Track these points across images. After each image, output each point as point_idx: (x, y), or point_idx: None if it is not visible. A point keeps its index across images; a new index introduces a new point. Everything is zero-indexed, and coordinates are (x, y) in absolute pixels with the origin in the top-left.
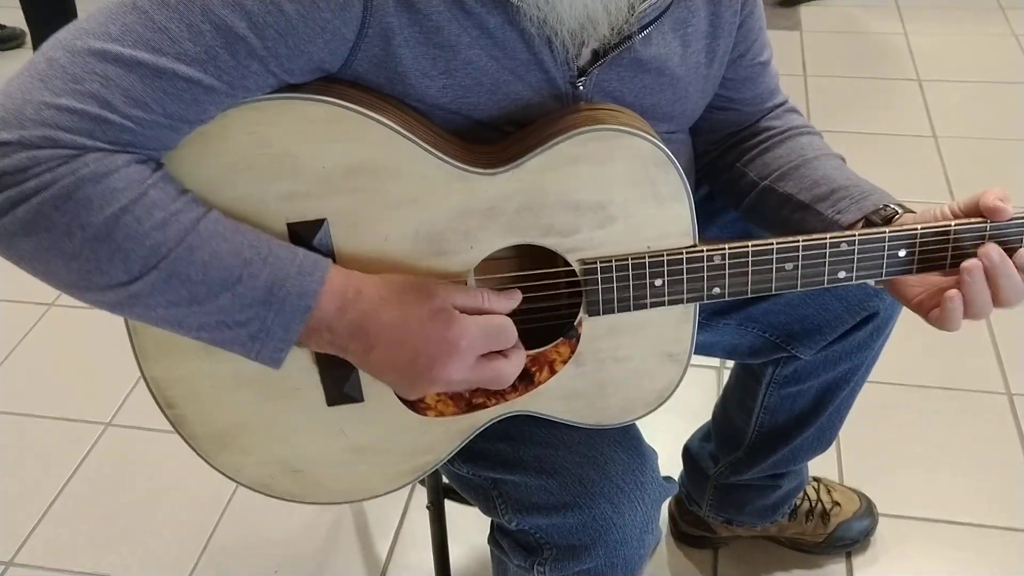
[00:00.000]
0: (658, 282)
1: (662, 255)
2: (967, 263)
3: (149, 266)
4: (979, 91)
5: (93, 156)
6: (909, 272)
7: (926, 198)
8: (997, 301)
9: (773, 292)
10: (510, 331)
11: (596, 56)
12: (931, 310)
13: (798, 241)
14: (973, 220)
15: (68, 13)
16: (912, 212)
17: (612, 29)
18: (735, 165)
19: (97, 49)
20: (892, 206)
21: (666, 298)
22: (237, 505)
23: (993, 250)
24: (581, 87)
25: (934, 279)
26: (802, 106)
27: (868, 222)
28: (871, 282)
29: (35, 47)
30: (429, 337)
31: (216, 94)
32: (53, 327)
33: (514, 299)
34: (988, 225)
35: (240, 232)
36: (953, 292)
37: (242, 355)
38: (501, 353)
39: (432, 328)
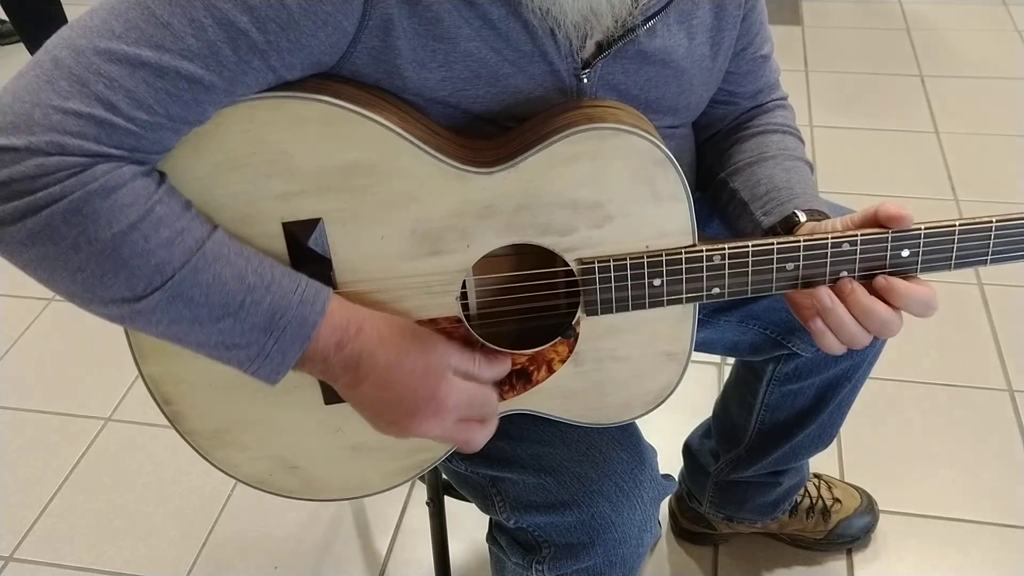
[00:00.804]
0: (657, 282)
1: (661, 255)
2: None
3: (153, 286)
4: (981, 87)
5: (102, 169)
6: (913, 272)
7: (928, 194)
8: (871, 332)
9: (774, 292)
10: (493, 404)
11: (600, 48)
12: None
13: (799, 241)
14: (978, 218)
15: (55, 15)
16: (822, 219)
17: (616, 21)
18: (707, 154)
19: (102, 48)
20: (798, 213)
21: (665, 298)
22: (237, 500)
23: (824, 295)
24: (585, 80)
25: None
26: (803, 101)
27: (773, 229)
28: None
29: (30, 51)
30: (417, 390)
31: (215, 92)
32: (53, 322)
33: (504, 367)
34: (994, 225)
35: (244, 256)
36: (818, 321)
37: (239, 370)
38: (479, 419)
39: (423, 383)
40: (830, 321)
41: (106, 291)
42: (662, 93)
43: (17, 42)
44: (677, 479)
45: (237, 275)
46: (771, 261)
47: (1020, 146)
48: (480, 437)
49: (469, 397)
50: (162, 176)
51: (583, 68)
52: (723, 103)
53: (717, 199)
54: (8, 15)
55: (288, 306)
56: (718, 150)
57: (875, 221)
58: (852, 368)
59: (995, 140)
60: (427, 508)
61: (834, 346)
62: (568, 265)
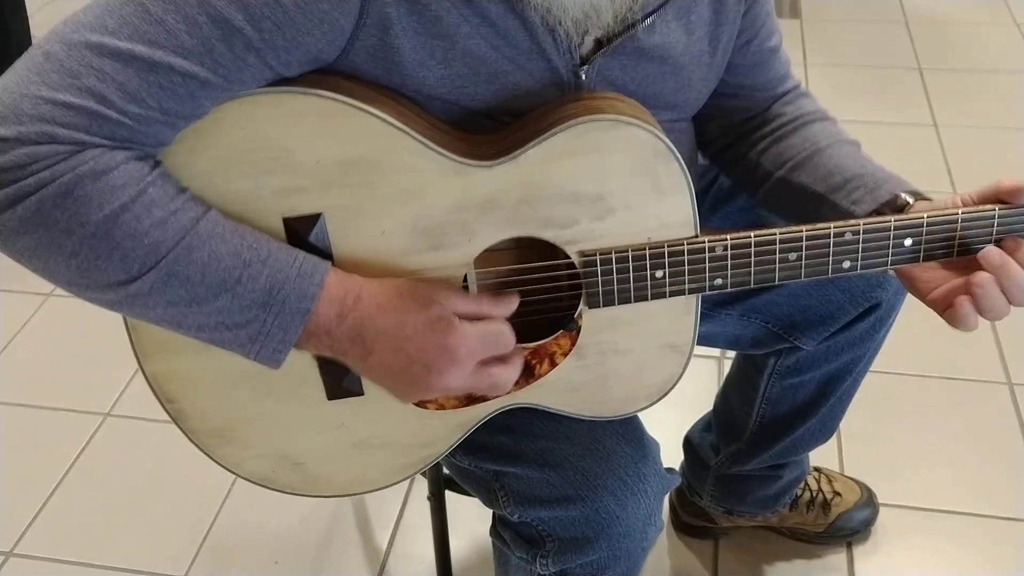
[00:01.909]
0: (659, 274)
1: (663, 246)
2: (975, 276)
3: (148, 266)
4: (980, 80)
5: (92, 153)
6: (915, 261)
7: (927, 187)
8: (1012, 302)
9: (776, 283)
10: (508, 337)
11: (599, 44)
12: (946, 309)
13: (801, 231)
14: (981, 208)
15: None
16: (927, 199)
17: (615, 17)
18: (748, 155)
19: (94, 43)
20: (904, 195)
21: (667, 290)
22: (237, 495)
23: (993, 253)
24: (584, 76)
25: (948, 274)
26: None
27: (879, 214)
28: (891, 273)
29: None
30: (427, 345)
31: (212, 88)
32: (51, 317)
33: (512, 302)
34: (996, 213)
35: (239, 233)
36: (963, 298)
37: (241, 355)
38: (500, 359)
39: (431, 336)
40: (981, 288)
41: (101, 275)
42: (660, 89)
43: None
44: (679, 474)
45: (233, 251)
46: (773, 251)
47: (1019, 139)
48: (505, 376)
49: (482, 337)
50: (157, 162)
51: (581, 64)
52: (731, 96)
53: (778, 197)
54: None
55: (286, 280)
56: (759, 150)
57: (995, 197)
58: (853, 362)
59: (994, 133)
60: (428, 503)
61: (972, 320)
62: (570, 258)
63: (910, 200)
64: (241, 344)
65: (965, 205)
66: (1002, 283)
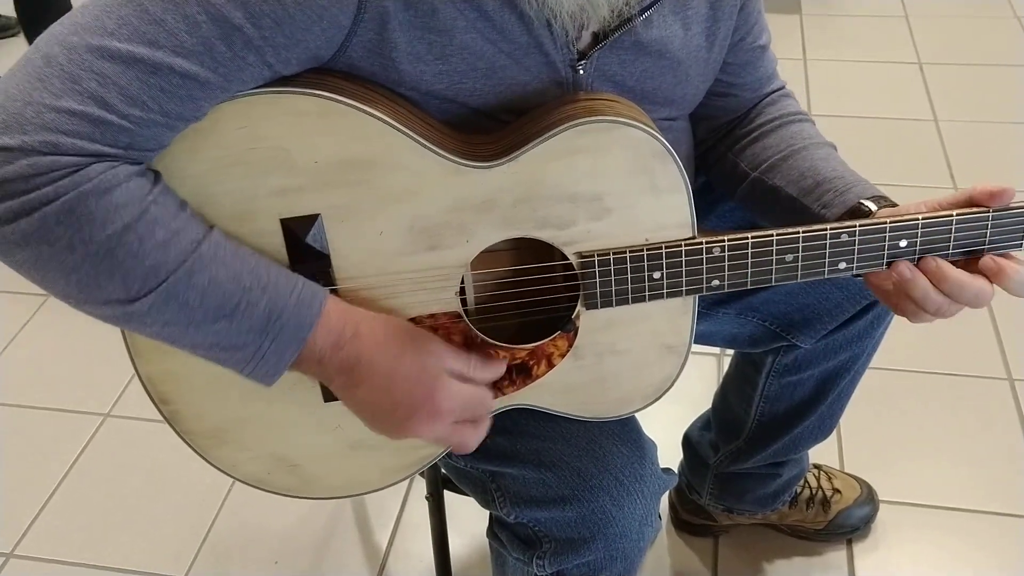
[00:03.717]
0: (656, 275)
1: (660, 247)
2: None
3: (148, 288)
4: (980, 74)
5: (96, 169)
6: (911, 262)
7: (927, 182)
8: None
9: (773, 284)
10: (487, 405)
11: (596, 39)
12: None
13: (798, 232)
14: (975, 209)
15: (60, 7)
16: (893, 205)
17: (612, 11)
18: (728, 154)
19: (94, 45)
20: (866, 202)
21: (665, 291)
22: (237, 495)
23: (904, 267)
24: (581, 71)
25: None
26: (802, 90)
27: (849, 218)
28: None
29: (29, 41)
30: (414, 394)
31: (211, 88)
32: (51, 318)
33: (499, 368)
34: (991, 214)
35: (240, 257)
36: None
37: (234, 371)
38: (472, 420)
39: (419, 386)
40: (914, 293)
41: (100, 292)
42: (658, 84)
43: (12, 36)
44: (677, 471)
45: (233, 277)
46: (770, 252)
47: (1019, 133)
48: (474, 439)
49: (464, 400)
50: (157, 176)
51: (579, 59)
52: (722, 95)
53: (753, 197)
54: (17, 8)
55: (284, 308)
56: (737, 149)
57: (969, 202)
58: (852, 359)
59: (994, 128)
60: (427, 502)
61: (923, 317)
62: (567, 259)
63: (872, 207)
64: (235, 364)
65: (931, 210)
66: (913, 296)
